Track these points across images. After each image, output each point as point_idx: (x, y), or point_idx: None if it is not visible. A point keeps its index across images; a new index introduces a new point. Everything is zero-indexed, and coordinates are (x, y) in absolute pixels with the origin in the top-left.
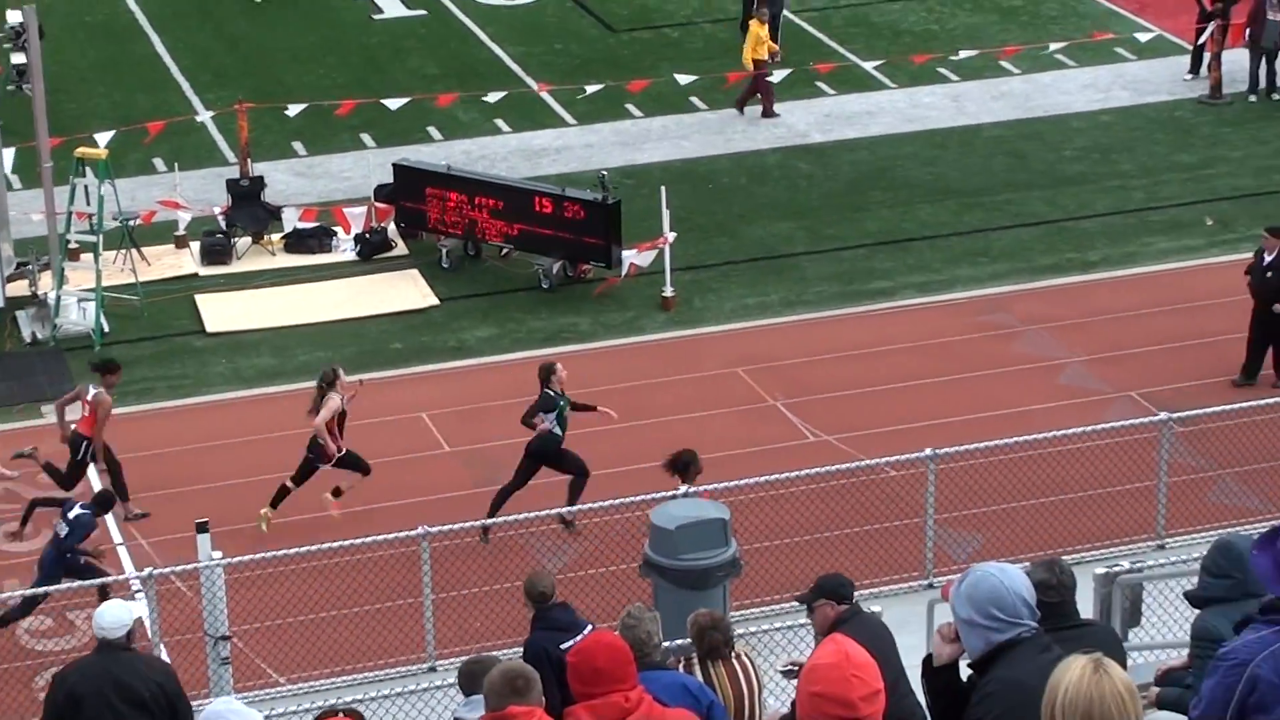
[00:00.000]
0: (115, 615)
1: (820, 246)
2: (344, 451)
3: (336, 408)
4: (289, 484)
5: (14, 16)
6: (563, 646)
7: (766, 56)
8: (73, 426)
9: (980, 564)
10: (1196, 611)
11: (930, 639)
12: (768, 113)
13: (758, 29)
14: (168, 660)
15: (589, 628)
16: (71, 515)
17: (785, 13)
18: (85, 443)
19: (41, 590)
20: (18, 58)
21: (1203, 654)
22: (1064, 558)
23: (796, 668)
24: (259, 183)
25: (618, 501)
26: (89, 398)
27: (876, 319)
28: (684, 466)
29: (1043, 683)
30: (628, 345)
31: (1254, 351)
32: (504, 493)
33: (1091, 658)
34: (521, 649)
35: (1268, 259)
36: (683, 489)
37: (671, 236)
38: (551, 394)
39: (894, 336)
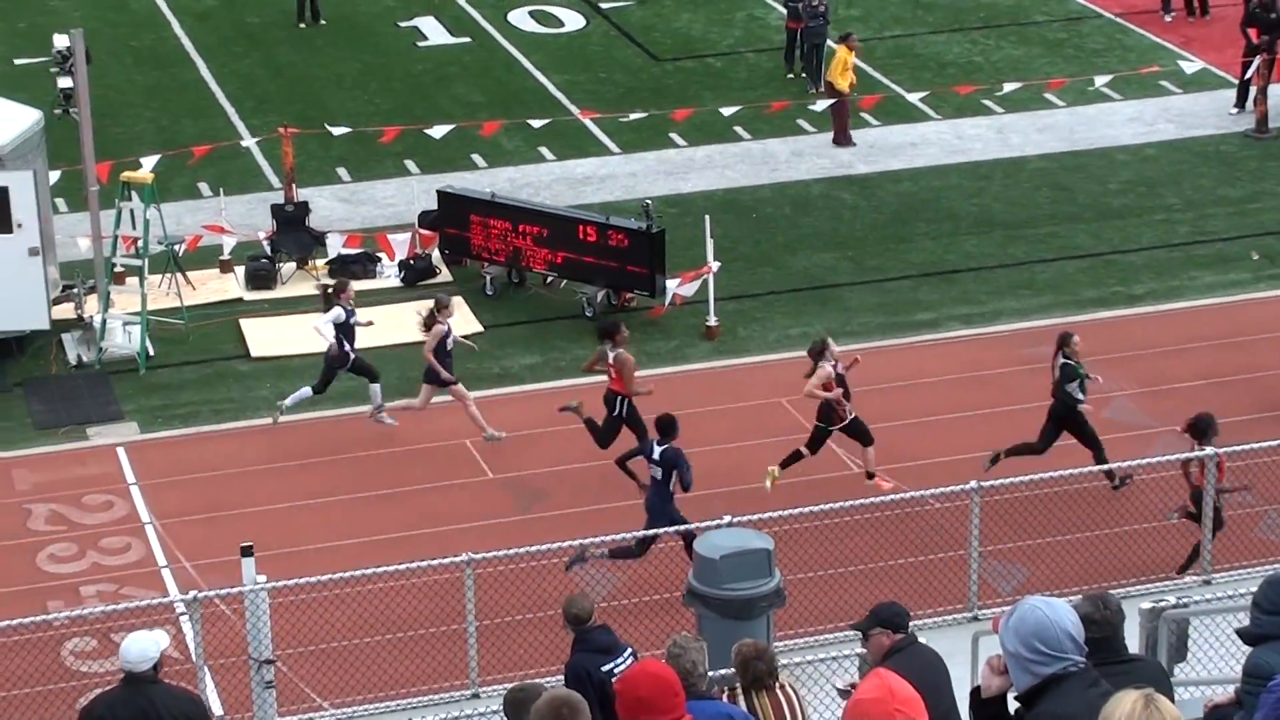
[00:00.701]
0: (141, 649)
1: (864, 277)
2: (851, 417)
3: (828, 375)
4: (803, 450)
5: (61, 41)
6: (604, 669)
7: (847, 85)
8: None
9: (1030, 597)
10: (1243, 648)
11: (974, 672)
12: (839, 140)
13: (845, 55)
14: (211, 685)
15: (629, 650)
16: (657, 456)
17: (829, 43)
18: (619, 399)
19: (653, 532)
20: (64, 82)
21: (1254, 691)
22: (1107, 592)
23: (853, 688)
24: (304, 208)
25: (662, 530)
26: (610, 360)
27: (920, 350)
28: (1203, 430)
29: (1090, 717)
30: (671, 374)
31: None
32: (1027, 449)
33: (1143, 692)
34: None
35: None
36: (1199, 450)
37: (715, 266)
38: (1073, 364)
39: (938, 368)
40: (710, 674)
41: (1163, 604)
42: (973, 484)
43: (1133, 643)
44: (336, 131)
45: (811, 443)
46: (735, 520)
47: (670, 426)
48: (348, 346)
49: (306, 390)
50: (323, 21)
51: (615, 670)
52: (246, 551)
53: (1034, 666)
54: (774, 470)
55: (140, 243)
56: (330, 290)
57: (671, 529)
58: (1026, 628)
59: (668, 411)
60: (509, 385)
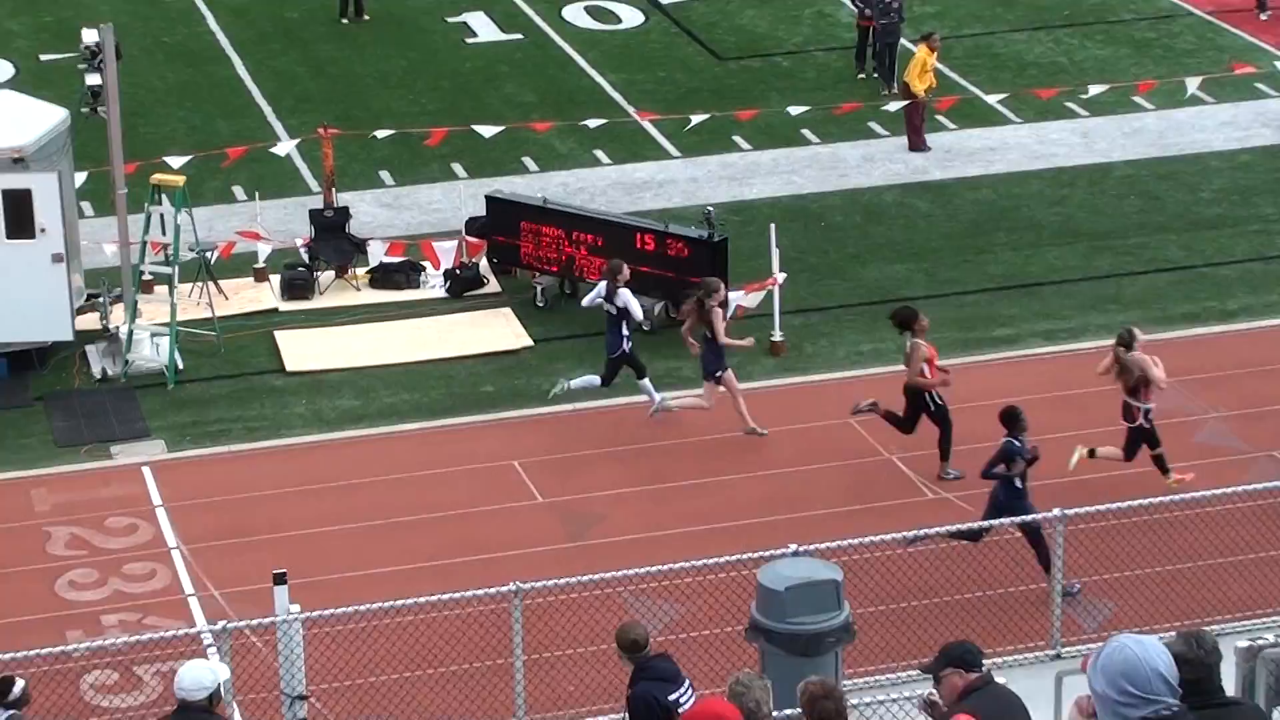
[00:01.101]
0: (196, 677)
1: (940, 290)
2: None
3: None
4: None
5: (90, 36)
6: (670, 698)
7: (924, 87)
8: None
9: (1120, 635)
10: None
11: (1058, 715)
12: (913, 145)
13: (926, 55)
14: None
15: (688, 682)
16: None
17: (903, 42)
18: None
19: (990, 523)
20: (93, 79)
21: None
22: (1203, 629)
23: (935, 697)
24: (344, 214)
25: (722, 560)
26: (907, 348)
27: (999, 368)
28: None
29: None
30: None
31: None
32: None
33: None
34: (626, 711)
35: None
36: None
37: (781, 277)
38: None
39: (1018, 387)
40: (775, 714)
41: (1261, 642)
42: (1056, 511)
43: (1229, 684)
44: (380, 133)
45: (1127, 448)
46: (801, 550)
47: (1013, 419)
48: (626, 331)
49: (606, 378)
50: (366, 16)
51: (680, 700)
52: (279, 579)
53: (1122, 709)
54: (1083, 451)
55: (170, 249)
56: (613, 273)
57: (1014, 520)
58: (1114, 667)
59: (1011, 406)
60: (560, 403)
